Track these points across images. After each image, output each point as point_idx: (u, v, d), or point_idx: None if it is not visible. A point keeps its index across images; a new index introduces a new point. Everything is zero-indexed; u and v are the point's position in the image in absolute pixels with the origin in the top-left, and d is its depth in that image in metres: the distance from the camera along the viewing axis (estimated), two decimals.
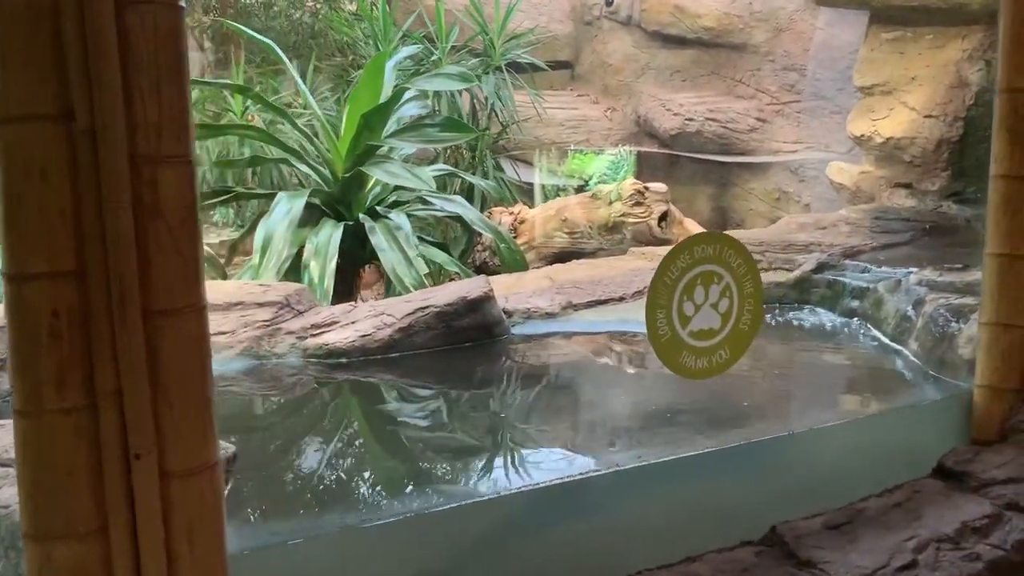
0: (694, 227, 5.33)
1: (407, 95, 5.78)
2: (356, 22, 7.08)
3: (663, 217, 5.39)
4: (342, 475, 2.13)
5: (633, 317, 3.57)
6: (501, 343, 3.31)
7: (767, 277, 4.08)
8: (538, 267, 5.21)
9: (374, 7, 6.69)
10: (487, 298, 3.26)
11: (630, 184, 5.28)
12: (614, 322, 3.53)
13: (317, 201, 4.98)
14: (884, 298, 3.36)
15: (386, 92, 5.28)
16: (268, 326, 3.10)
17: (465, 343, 3.22)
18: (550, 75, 9.19)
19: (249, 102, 5.86)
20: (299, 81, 4.94)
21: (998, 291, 2.31)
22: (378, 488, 2.07)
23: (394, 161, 4.61)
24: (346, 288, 5.30)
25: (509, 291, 3.87)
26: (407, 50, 6.06)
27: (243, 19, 8.88)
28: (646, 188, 5.21)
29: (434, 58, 6.66)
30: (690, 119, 7.40)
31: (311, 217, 4.95)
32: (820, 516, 2.15)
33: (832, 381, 2.85)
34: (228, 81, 6.07)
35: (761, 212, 7.15)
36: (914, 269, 3.46)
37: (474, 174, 6.90)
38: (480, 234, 5.34)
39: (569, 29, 8.93)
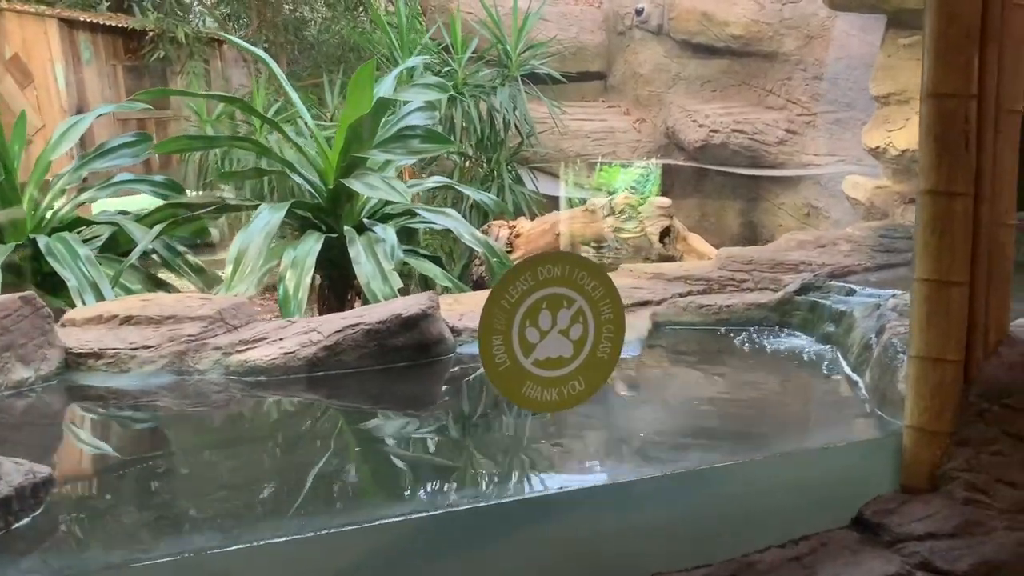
0: (699, 243, 5.09)
1: (411, 106, 5.71)
2: (375, 32, 7.06)
3: (666, 232, 5.16)
4: (147, 505, 2.01)
5: None
6: (440, 364, 3.16)
7: (749, 297, 3.83)
8: None
9: (391, 17, 6.66)
10: (425, 316, 3.11)
11: (622, 198, 5.07)
12: None
13: (307, 213, 4.93)
14: (856, 323, 3.09)
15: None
16: (194, 341, 3.02)
17: (400, 363, 3.09)
18: (582, 86, 9.04)
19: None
20: (291, 92, 4.91)
21: (927, 321, 2.06)
22: (175, 522, 1.92)
23: (373, 174, 4.52)
24: (338, 301, 5.23)
25: (477, 307, 3.72)
26: (412, 61, 5.98)
27: (289, 33, 8.98)
28: (639, 202, 5.00)
29: (447, 69, 6.58)
30: (715, 131, 7.12)
31: (299, 229, 4.90)
32: (703, 568, 1.94)
33: (761, 414, 2.61)
34: (220, 93, 6.10)
35: (791, 228, 6.82)
36: (899, 292, 3.18)
37: (489, 186, 6.79)
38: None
39: (601, 40, 8.74)
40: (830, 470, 2.18)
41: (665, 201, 5.24)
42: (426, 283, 5.20)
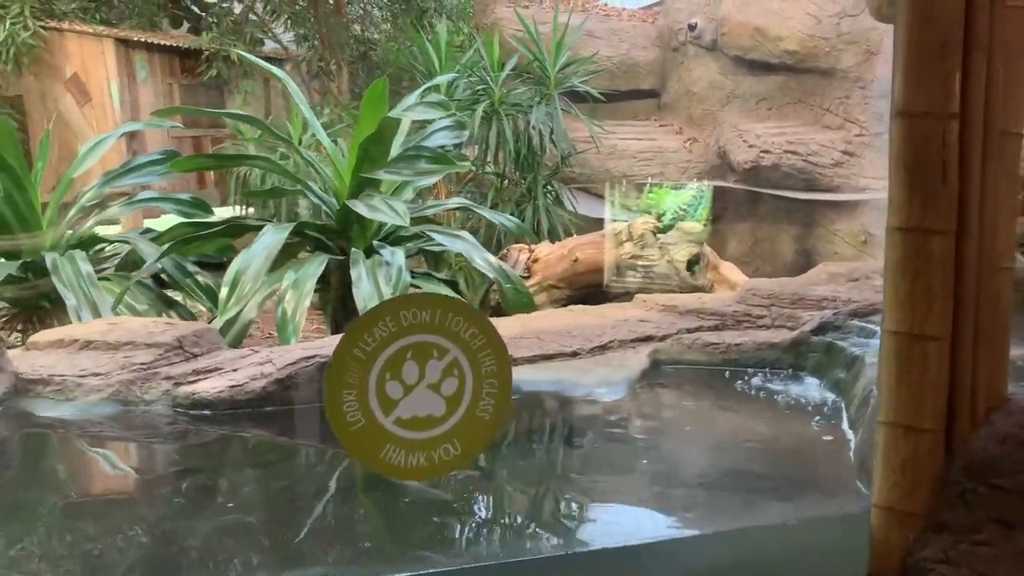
0: (732, 272, 4.75)
1: (438, 124, 5.55)
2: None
3: (696, 260, 4.84)
4: None
5: (569, 377, 3.11)
6: None
7: (762, 336, 3.49)
8: (551, 308, 4.79)
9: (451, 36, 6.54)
10: None
11: (641, 223, 4.77)
12: (545, 381, 3.08)
13: (318, 234, 4.80)
14: (863, 371, 2.74)
15: (403, 123, 5.07)
16: (145, 369, 2.89)
17: None
18: (634, 104, 8.74)
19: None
20: (305, 110, 4.81)
21: (897, 381, 1.74)
22: None
23: (378, 195, 4.36)
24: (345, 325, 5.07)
25: None
26: (442, 79, 5.84)
27: (348, 52, 8.98)
28: (658, 227, 4.68)
29: (481, 87, 6.40)
30: (766, 151, 6.73)
31: (311, 250, 4.78)
32: None
33: (721, 480, 2.28)
34: (236, 111, 6.06)
35: (847, 256, 6.37)
36: None
37: (525, 208, 6.57)
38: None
39: (654, 56, 8.43)
40: (787, 551, 1.87)
41: (695, 226, 4.92)
42: None
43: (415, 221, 5.07)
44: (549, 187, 6.73)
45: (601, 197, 7.69)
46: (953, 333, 1.73)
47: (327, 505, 2.07)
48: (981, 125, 1.70)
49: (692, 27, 7.81)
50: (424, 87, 5.42)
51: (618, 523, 1.99)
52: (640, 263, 4.60)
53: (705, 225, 7.15)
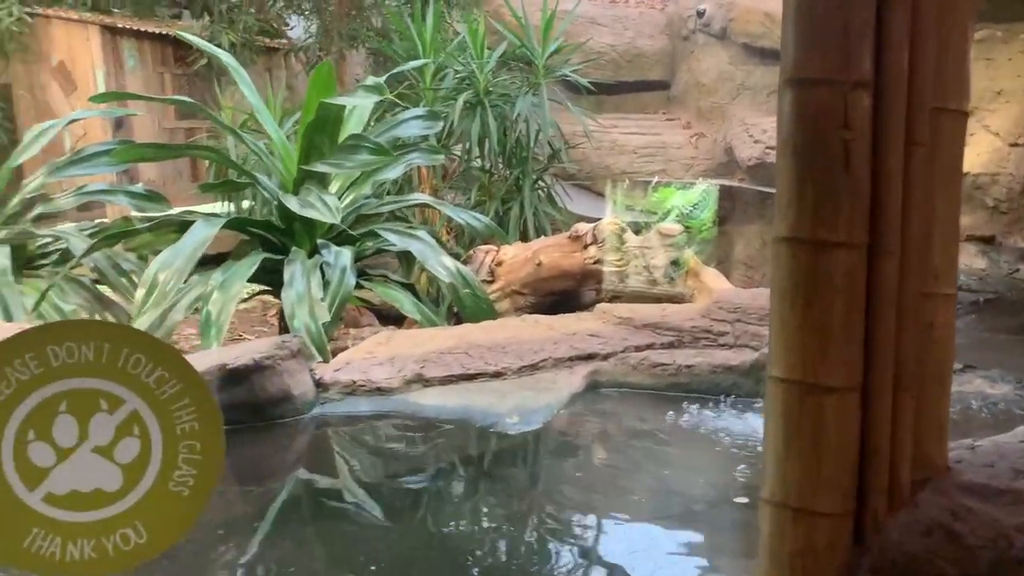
0: (714, 280, 4.26)
1: (410, 113, 5.16)
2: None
3: (676, 265, 4.37)
4: None
5: (482, 402, 2.68)
6: (275, 428, 2.54)
7: (719, 357, 3.03)
8: (515, 315, 4.35)
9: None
10: (258, 368, 2.51)
11: (606, 223, 4.30)
12: (451, 408, 2.65)
13: (262, 231, 4.42)
14: None
15: (361, 110, 4.67)
16: None
17: (226, 425, 2.48)
18: (642, 96, 8.24)
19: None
20: (251, 97, 4.44)
21: (785, 445, 1.29)
22: None
23: (313, 189, 3.96)
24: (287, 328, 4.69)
25: (405, 351, 3.09)
26: (413, 64, 5.43)
27: (348, 39, 8.64)
28: (623, 229, 4.21)
29: (464, 75, 5.97)
30: (772, 148, 6.19)
31: (249, 248, 4.40)
32: None
33: (580, 555, 1.83)
34: (177, 97, 5.71)
35: None
36: None
37: (511, 205, 6.13)
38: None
39: (662, 45, 7.91)
40: None
41: (673, 228, 4.44)
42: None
43: (369, 219, 4.67)
44: (540, 183, 6.29)
45: (600, 195, 7.22)
46: (865, 382, 1.27)
47: None
48: (903, 98, 1.24)
49: (700, 13, 7.30)
50: (393, 72, 5.02)
51: None
52: (605, 268, 4.15)
53: (709, 227, 6.65)
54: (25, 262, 4.69)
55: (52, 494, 1.09)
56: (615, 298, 4.37)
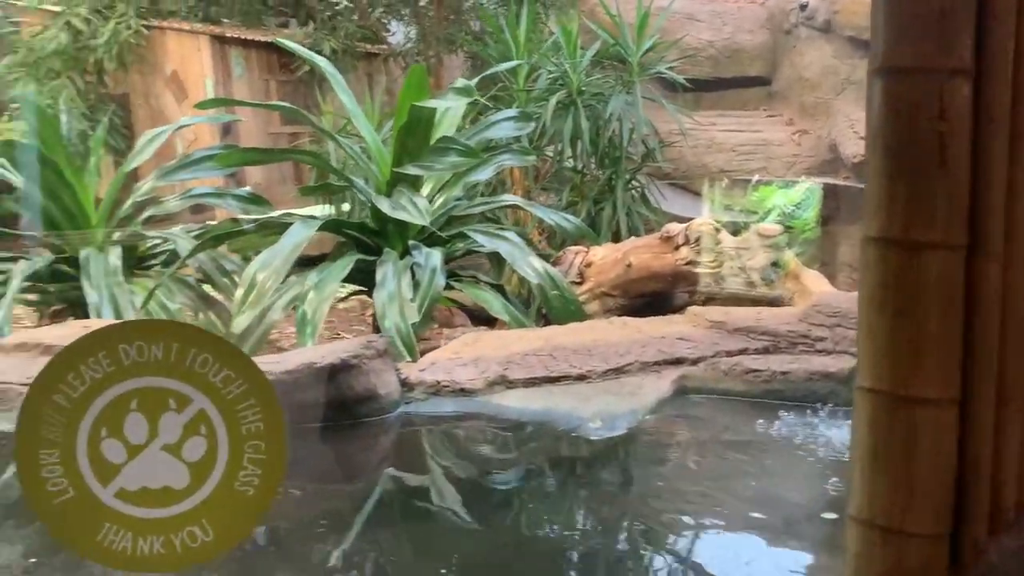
0: (816, 283, 4.10)
1: (503, 115, 5.16)
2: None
3: (776, 267, 4.22)
4: None
5: (565, 405, 2.64)
6: (361, 427, 2.57)
7: (817, 363, 2.90)
8: (604, 317, 4.30)
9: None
10: (346, 367, 2.54)
11: (698, 223, 4.18)
12: (533, 410, 2.62)
13: (356, 233, 4.51)
14: None
15: (453, 113, 4.70)
16: None
17: (314, 423, 2.53)
18: (743, 93, 8.02)
19: None
20: (348, 102, 4.52)
21: (873, 461, 1.21)
22: None
23: (405, 191, 4.00)
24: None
25: (489, 353, 3.09)
26: (505, 65, 5.44)
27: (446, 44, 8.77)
28: (716, 228, 4.08)
29: (557, 76, 5.94)
30: None
31: (345, 249, 4.49)
32: None
33: None
34: (276, 103, 5.84)
35: None
36: None
37: (603, 206, 6.07)
38: None
39: (763, 40, 7.69)
40: None
41: (773, 228, 4.28)
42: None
43: (460, 220, 4.69)
44: (633, 183, 6.19)
45: (697, 194, 7.07)
46: (964, 395, 1.18)
47: None
48: (1008, 86, 1.14)
49: (804, 7, 7.05)
50: (485, 74, 5.05)
51: None
52: (698, 269, 4.04)
53: (813, 227, 6.42)
54: (136, 262, 4.93)
55: (124, 490, 1.12)
56: (709, 300, 4.25)
